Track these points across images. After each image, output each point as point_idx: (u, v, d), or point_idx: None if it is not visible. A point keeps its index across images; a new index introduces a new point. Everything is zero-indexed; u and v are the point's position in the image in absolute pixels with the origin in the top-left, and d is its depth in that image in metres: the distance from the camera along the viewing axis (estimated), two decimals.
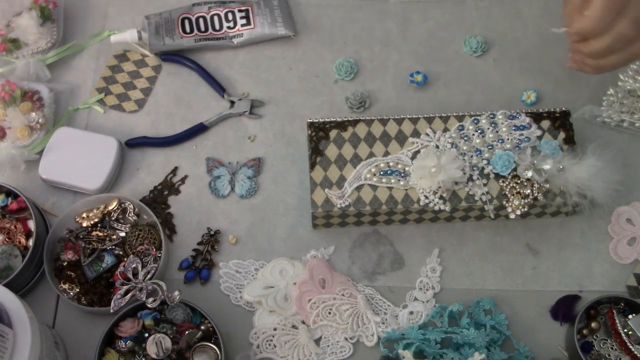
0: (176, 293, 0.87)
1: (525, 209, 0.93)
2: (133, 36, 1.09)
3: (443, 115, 0.98)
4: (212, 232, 0.99)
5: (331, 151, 0.95)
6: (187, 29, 1.10)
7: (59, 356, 0.86)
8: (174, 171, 1.03)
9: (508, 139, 0.96)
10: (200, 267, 0.97)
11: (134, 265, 0.90)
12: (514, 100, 1.08)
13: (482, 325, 0.92)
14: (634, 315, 0.91)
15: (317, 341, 0.93)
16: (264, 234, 0.99)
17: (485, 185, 0.93)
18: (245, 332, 0.93)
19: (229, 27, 1.11)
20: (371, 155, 0.95)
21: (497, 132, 0.97)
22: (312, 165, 0.95)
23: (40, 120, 1.02)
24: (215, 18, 1.11)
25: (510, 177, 0.94)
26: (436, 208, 0.93)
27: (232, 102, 1.07)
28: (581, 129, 1.03)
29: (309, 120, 0.98)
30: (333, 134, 0.97)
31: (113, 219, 0.97)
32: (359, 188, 0.93)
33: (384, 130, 0.97)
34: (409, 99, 1.08)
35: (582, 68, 0.93)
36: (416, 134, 0.97)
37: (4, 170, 1.00)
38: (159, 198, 1.01)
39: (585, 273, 0.97)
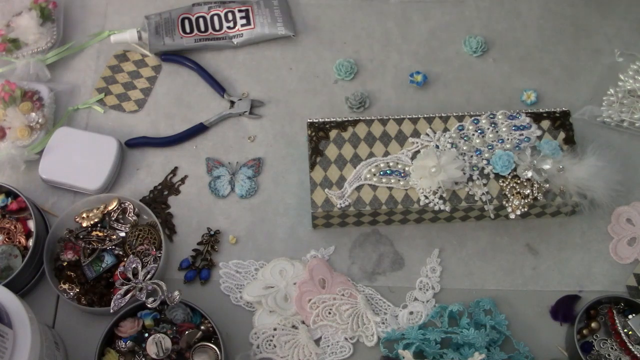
0: (176, 293, 0.87)
1: (525, 209, 0.93)
2: (133, 36, 1.09)
3: (443, 115, 0.98)
4: (212, 232, 0.99)
5: (331, 151, 0.95)
6: (187, 29, 1.10)
7: (59, 356, 0.86)
8: (174, 171, 1.03)
9: (508, 139, 0.96)
10: (200, 267, 0.97)
11: (134, 265, 0.90)
12: (514, 100, 1.08)
13: (482, 325, 0.92)
14: (634, 315, 0.91)
15: (317, 341, 0.93)
16: (264, 234, 0.99)
17: (485, 185, 0.93)
18: (245, 332, 0.93)
19: (229, 27, 1.11)
20: (371, 155, 0.95)
21: (497, 132, 0.97)
22: (312, 165, 0.95)
23: (40, 120, 1.02)
24: (215, 18, 1.11)
25: (510, 177, 0.94)
26: (436, 208, 0.93)
27: (232, 102, 1.07)
28: (581, 129, 1.03)
29: (309, 120, 0.98)
30: (333, 134, 0.97)
31: (113, 219, 0.97)
32: (359, 188, 0.93)
33: (384, 130, 0.97)
34: (409, 99, 1.08)
35: None
36: (416, 134, 0.97)
37: (4, 170, 1.00)
38: (159, 198, 1.01)
39: (585, 273, 0.97)
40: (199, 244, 0.98)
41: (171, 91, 1.09)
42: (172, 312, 0.89)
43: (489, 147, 0.96)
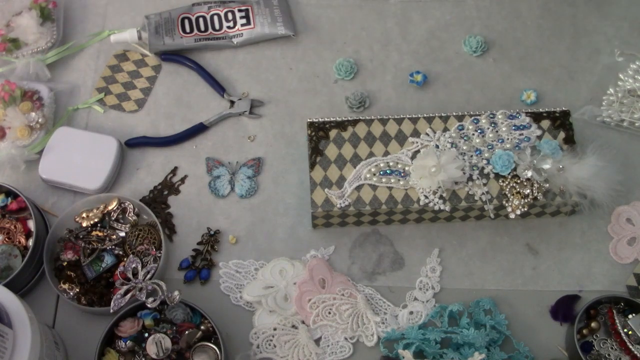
0: (176, 293, 0.87)
1: (525, 209, 0.93)
2: (133, 36, 1.09)
3: (443, 115, 0.98)
4: (212, 232, 0.99)
5: (331, 151, 0.95)
6: (187, 29, 1.10)
7: (59, 356, 0.86)
8: (174, 171, 1.03)
9: (508, 139, 0.96)
10: (200, 267, 0.97)
11: (134, 265, 0.90)
12: (514, 100, 1.08)
13: (482, 325, 0.92)
14: (634, 315, 0.91)
15: (317, 341, 0.93)
16: (264, 234, 0.99)
17: (485, 185, 0.93)
18: (245, 332, 0.93)
19: (228, 27, 1.11)
20: (371, 155, 0.95)
21: (497, 132, 0.97)
22: (312, 165, 0.95)
23: (40, 120, 1.02)
24: (215, 18, 1.11)
25: (510, 177, 0.94)
26: (436, 208, 0.93)
27: (232, 102, 1.07)
28: (581, 129, 1.03)
29: (309, 120, 0.98)
30: (333, 133, 0.97)
31: (113, 219, 0.97)
32: (358, 188, 0.93)
33: (383, 130, 0.97)
34: (409, 99, 1.08)
35: None
36: (416, 133, 0.97)
37: (4, 170, 1.00)
38: (158, 198, 1.01)
39: (585, 273, 0.97)
40: (199, 244, 0.98)
41: (171, 91, 1.09)
42: (172, 312, 0.89)
43: (489, 147, 0.96)
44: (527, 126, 0.97)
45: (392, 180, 0.94)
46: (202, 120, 1.05)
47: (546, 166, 0.93)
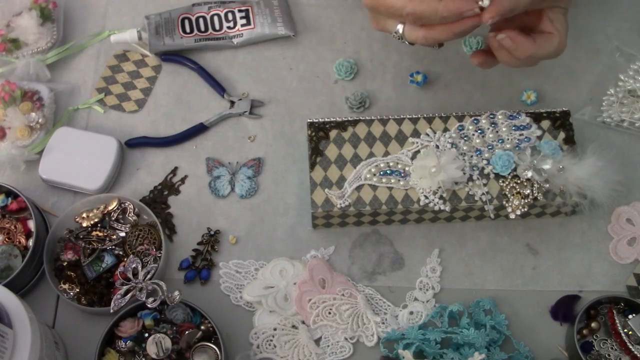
0: (176, 293, 0.87)
1: (525, 209, 0.93)
2: (133, 36, 1.09)
3: (443, 115, 0.98)
4: (212, 232, 0.99)
5: (331, 151, 0.95)
6: (187, 29, 1.10)
7: (59, 356, 0.86)
8: (174, 171, 1.03)
9: (508, 139, 0.96)
10: (200, 267, 0.97)
11: (134, 265, 0.90)
12: (514, 100, 1.08)
13: (482, 325, 0.92)
14: (634, 315, 0.91)
15: (317, 341, 0.93)
16: (264, 234, 0.99)
17: (485, 185, 0.93)
18: (245, 332, 0.93)
19: (229, 27, 1.11)
20: (371, 155, 0.95)
21: (497, 132, 0.97)
22: (312, 165, 0.95)
23: (40, 120, 1.02)
24: (215, 18, 1.11)
25: (510, 177, 0.94)
26: (436, 208, 0.93)
27: (232, 102, 1.07)
28: (581, 129, 1.03)
29: (309, 120, 0.98)
30: (333, 134, 0.97)
31: (113, 219, 0.97)
32: (359, 188, 0.93)
33: (384, 130, 0.97)
34: (409, 99, 1.08)
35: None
36: (416, 134, 0.97)
37: (4, 170, 1.00)
38: (159, 198, 1.01)
39: (585, 273, 0.97)
40: (199, 244, 0.98)
41: (171, 91, 1.09)
42: (172, 312, 0.89)
43: (489, 147, 0.96)
44: (527, 126, 0.97)
45: (392, 181, 0.94)
46: (202, 121, 1.05)
47: (546, 166, 0.93)
